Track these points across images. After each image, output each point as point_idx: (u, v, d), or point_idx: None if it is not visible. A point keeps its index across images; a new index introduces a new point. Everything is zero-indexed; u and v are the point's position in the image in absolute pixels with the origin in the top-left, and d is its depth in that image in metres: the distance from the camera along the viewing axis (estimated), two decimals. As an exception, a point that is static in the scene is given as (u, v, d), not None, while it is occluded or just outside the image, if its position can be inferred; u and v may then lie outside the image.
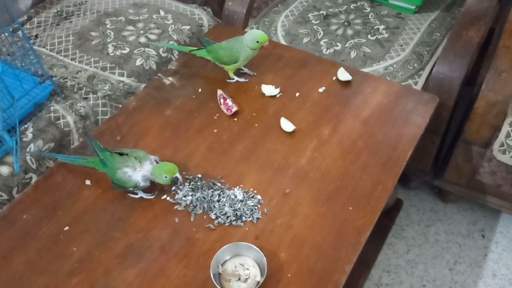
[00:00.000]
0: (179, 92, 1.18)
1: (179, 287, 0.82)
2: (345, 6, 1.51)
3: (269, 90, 1.16)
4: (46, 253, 0.88)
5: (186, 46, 1.40)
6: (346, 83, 1.18)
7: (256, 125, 1.09)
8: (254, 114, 1.12)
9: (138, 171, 0.92)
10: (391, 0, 1.48)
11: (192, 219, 0.92)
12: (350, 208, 0.93)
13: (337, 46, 1.38)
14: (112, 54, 1.36)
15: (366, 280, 1.30)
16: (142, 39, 1.41)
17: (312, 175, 0.99)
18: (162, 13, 1.53)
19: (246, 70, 1.22)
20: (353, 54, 1.35)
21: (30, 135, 1.15)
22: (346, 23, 1.45)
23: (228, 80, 1.20)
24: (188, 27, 1.48)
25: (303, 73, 1.21)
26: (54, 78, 1.28)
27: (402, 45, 1.36)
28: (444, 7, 1.50)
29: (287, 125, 1.07)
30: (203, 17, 1.53)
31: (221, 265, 0.84)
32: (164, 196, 0.96)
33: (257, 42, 1.10)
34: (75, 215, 0.93)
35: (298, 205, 0.94)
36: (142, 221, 0.92)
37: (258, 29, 1.47)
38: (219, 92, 1.14)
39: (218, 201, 0.94)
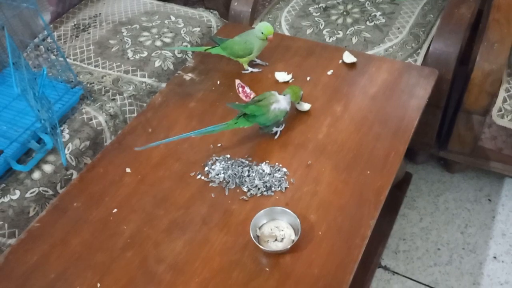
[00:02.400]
0: (199, 86, 1.29)
1: (223, 252, 0.92)
2: (343, -2, 1.62)
3: (282, 76, 1.26)
4: (99, 234, 0.98)
5: (199, 46, 1.51)
6: (352, 65, 1.28)
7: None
8: (271, 99, 1.22)
9: (281, 102, 1.09)
10: (385, -12, 1.59)
11: (226, 193, 1.02)
12: (368, 172, 1.03)
13: (339, 34, 1.48)
14: (132, 58, 1.47)
15: (384, 247, 1.40)
16: (158, 43, 1.52)
17: (330, 148, 1.09)
18: (173, 18, 1.63)
19: (258, 61, 1.32)
20: (354, 40, 1.45)
21: (67, 136, 1.26)
22: (345, 13, 1.55)
23: (243, 72, 1.30)
24: (198, 28, 1.59)
25: (311, 60, 1.32)
26: (83, 84, 1.39)
27: (399, 28, 1.47)
28: (435, -9, 1.62)
29: (302, 106, 1.17)
30: (211, 19, 1.64)
31: (258, 229, 0.94)
32: (199, 176, 1.06)
33: (262, 33, 1.20)
34: (121, 200, 1.03)
35: (321, 174, 1.04)
36: (181, 199, 1.02)
37: (263, 25, 1.58)
38: (237, 81, 1.25)
39: (248, 176, 1.04)
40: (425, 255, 1.43)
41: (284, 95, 1.11)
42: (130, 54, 1.48)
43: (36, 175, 1.18)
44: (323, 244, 0.92)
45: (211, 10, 1.70)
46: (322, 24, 1.53)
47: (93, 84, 1.39)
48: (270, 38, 1.23)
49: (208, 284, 0.88)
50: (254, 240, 0.89)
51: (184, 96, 1.26)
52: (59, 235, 0.98)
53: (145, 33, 1.56)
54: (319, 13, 1.57)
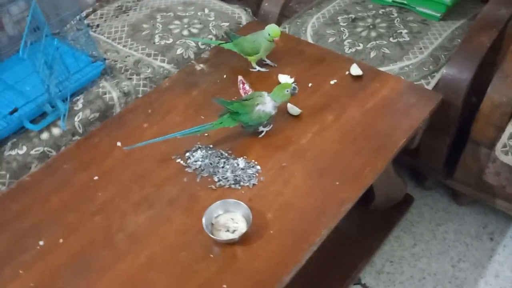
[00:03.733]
0: (206, 78, 1.34)
1: (179, 232, 0.97)
2: (374, 11, 1.61)
3: (284, 79, 1.29)
4: (77, 196, 1.07)
5: (222, 40, 1.57)
6: (358, 77, 1.28)
7: (268, 108, 1.22)
8: (268, 99, 1.25)
9: (267, 104, 1.10)
10: (418, 7, 1.56)
11: (198, 180, 1.07)
12: (337, 183, 1.03)
13: (359, 46, 1.48)
14: (157, 43, 1.56)
15: (367, 264, 1.38)
16: (185, 32, 1.60)
17: (309, 154, 1.10)
18: (206, 11, 1.70)
19: (268, 61, 1.36)
20: (372, 54, 1.44)
21: (80, 105, 1.36)
22: (371, 26, 1.54)
23: (251, 69, 1.35)
24: (227, 23, 1.64)
25: (319, 67, 1.33)
26: (106, 61, 1.50)
27: (421, 48, 1.44)
28: (471, 16, 1.56)
29: (293, 109, 1.19)
30: (242, 16, 1.69)
31: (215, 217, 0.98)
32: (179, 160, 1.12)
33: (269, 35, 1.24)
34: (104, 169, 1.11)
35: (292, 177, 1.06)
36: (157, 179, 1.08)
37: (289, 28, 1.61)
38: (240, 78, 1.29)
39: (223, 167, 1.08)
40: (409, 281, 1.39)
41: (268, 95, 1.13)
42: (156, 39, 1.57)
43: (45, 135, 1.29)
44: (272, 242, 0.94)
45: (245, 8, 1.75)
46: (345, 35, 1.53)
47: (116, 62, 1.50)
48: (277, 41, 1.26)
49: (156, 258, 0.94)
50: (205, 228, 0.93)
51: (190, 85, 1.32)
52: (43, 191, 1.08)
53: (176, 22, 1.65)
54: (346, 23, 1.58)
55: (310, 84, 1.28)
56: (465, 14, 1.57)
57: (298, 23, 1.62)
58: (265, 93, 1.13)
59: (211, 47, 1.51)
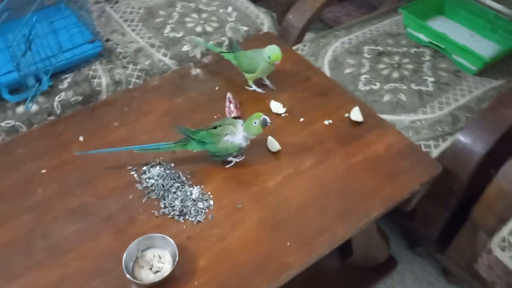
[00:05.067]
0: (197, 85, 1.24)
1: (102, 256, 0.89)
2: (405, 49, 1.44)
3: (276, 107, 1.17)
4: (17, 186, 1.00)
5: (236, 46, 1.45)
6: (356, 123, 1.14)
7: (248, 136, 1.11)
8: (252, 125, 1.14)
9: (237, 135, 0.99)
10: (454, 55, 1.38)
11: (143, 201, 0.98)
12: (288, 243, 0.91)
13: (375, 85, 1.33)
14: (166, 34, 1.46)
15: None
16: (199, 29, 1.49)
17: (271, 200, 0.98)
18: (229, 9, 1.59)
19: (267, 82, 1.24)
20: (386, 97, 1.29)
21: (66, 84, 1.30)
22: (396, 65, 1.38)
23: (246, 87, 1.23)
24: (246, 28, 1.52)
25: (319, 101, 1.20)
26: (109, 42, 1.42)
27: (442, 104, 1.27)
28: (513, 78, 1.37)
29: (273, 144, 1.07)
30: (265, 23, 1.57)
31: (142, 251, 0.89)
32: (133, 173, 1.03)
33: (269, 57, 1.11)
34: (56, 163, 1.04)
35: (242, 223, 0.94)
36: (103, 188, 1.00)
37: (309, 47, 1.47)
38: (228, 95, 1.18)
39: (174, 193, 0.98)
40: None
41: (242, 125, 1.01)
42: (166, 30, 1.48)
43: (20, 109, 1.24)
44: (192, 295, 0.84)
45: (272, 14, 1.62)
46: (365, 68, 1.38)
47: (117, 46, 1.42)
48: (277, 65, 1.13)
49: (67, 280, 0.86)
50: (124, 269, 0.83)
51: (178, 89, 1.23)
52: (-12, 172, 1.03)
53: (194, 15, 1.55)
54: (370, 56, 1.42)
55: (302, 119, 1.15)
56: (506, 74, 1.38)
57: (320, 43, 1.48)
58: (239, 122, 1.01)
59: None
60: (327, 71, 1.39)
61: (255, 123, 0.99)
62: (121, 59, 1.38)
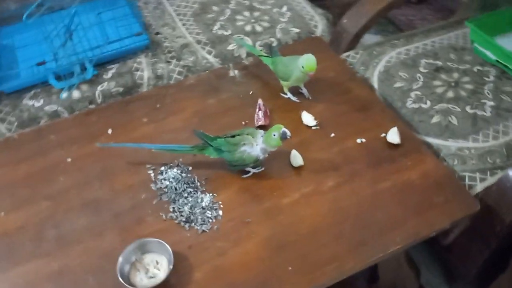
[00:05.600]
0: (232, 87, 1.21)
1: (104, 252, 0.89)
2: (468, 66, 1.31)
3: (307, 119, 1.10)
4: (42, 173, 1.03)
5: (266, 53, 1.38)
6: (391, 145, 1.05)
7: (272, 146, 1.06)
8: (279, 136, 1.09)
9: (255, 146, 0.95)
10: (524, 77, 1.22)
11: (154, 202, 0.97)
12: (290, 268, 0.86)
13: (425, 104, 1.21)
14: (214, 32, 1.45)
15: None
16: (248, 28, 1.46)
17: (282, 218, 0.93)
18: (284, 9, 1.54)
19: (304, 90, 1.17)
20: (435, 119, 1.17)
21: (110, 75, 1.33)
22: (453, 84, 1.26)
23: (281, 94, 1.18)
24: (297, 30, 1.46)
25: (355, 116, 1.12)
26: (158, 36, 1.43)
27: (498, 132, 1.13)
28: None
29: (295, 159, 1.02)
30: (319, 25, 1.49)
31: (142, 254, 0.88)
32: (151, 172, 1.02)
33: (303, 67, 1.05)
34: (80, 154, 1.06)
35: (248, 239, 0.90)
36: (120, 184, 1.00)
37: (361, 55, 1.38)
38: (259, 101, 1.13)
39: (186, 198, 0.96)
40: None
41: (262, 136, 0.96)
42: (216, 27, 1.46)
43: (64, 95, 1.28)
44: (182, 308, 0.82)
45: (329, 16, 1.54)
46: (417, 84, 1.27)
47: (165, 40, 1.42)
48: (311, 75, 1.07)
49: (64, 272, 0.87)
50: (118, 272, 0.83)
51: (212, 90, 1.20)
52: (18, 156, 1.06)
53: (246, 13, 1.51)
54: (426, 71, 1.30)
55: (332, 134, 1.08)
56: None
57: (374, 52, 1.39)
58: (260, 133, 0.97)
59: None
60: (375, 83, 1.30)
61: (274, 135, 0.94)
62: (166, 53, 1.39)
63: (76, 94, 1.29)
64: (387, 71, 1.32)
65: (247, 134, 0.96)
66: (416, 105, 1.22)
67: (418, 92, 1.25)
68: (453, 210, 0.94)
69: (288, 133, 0.94)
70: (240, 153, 0.96)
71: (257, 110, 1.12)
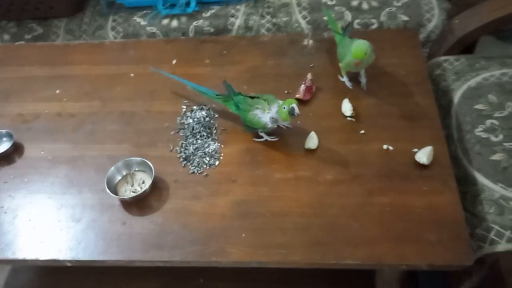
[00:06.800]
0: (297, 56, 1.20)
1: (115, 155, 1.02)
2: None
3: (345, 107, 1.05)
4: (110, 81, 1.21)
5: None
6: (417, 164, 0.95)
7: (298, 122, 1.05)
8: (310, 114, 1.06)
9: (266, 113, 0.97)
10: None
11: (171, 133, 1.06)
12: (243, 235, 0.88)
13: (496, 137, 1.04)
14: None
15: None
16: (355, 3, 1.39)
17: (264, 190, 0.94)
18: (404, -9, 1.41)
19: (362, 79, 1.10)
20: (497, 156, 1.01)
21: (208, 14, 1.44)
22: (545, 126, 1.04)
23: (339, 76, 1.13)
24: (406, 18, 1.35)
25: (398, 122, 1.02)
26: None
27: None
28: None
29: (310, 141, 1.00)
30: (434, 19, 1.34)
31: (136, 170, 0.99)
32: (184, 107, 1.11)
33: (351, 51, 0.99)
34: (142, 73, 1.20)
35: (224, 194, 0.94)
36: (156, 107, 1.12)
37: (461, 63, 1.22)
38: (308, 75, 1.11)
39: (196, 139, 1.04)
40: None
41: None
42: (324, -6, 1.42)
43: (166, 21, 1.43)
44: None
45: (449, 8, 1.36)
46: (501, 113, 1.08)
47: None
48: (357, 62, 1.00)
49: (76, 160, 1.04)
50: (106, 182, 0.95)
51: (278, 52, 1.21)
52: (99, 59, 1.25)
53: (363, -13, 1.43)
54: (523, 102, 1.10)
55: (362, 131, 1.02)
56: None
57: (477, 65, 1.21)
58: (277, 102, 0.97)
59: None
60: (457, 96, 1.15)
61: (284, 108, 0.93)
62: (265, 8, 1.42)
63: (174, 23, 1.43)
64: (477, 88, 1.15)
65: (265, 100, 0.98)
66: (485, 135, 1.06)
67: (495, 122, 1.07)
68: (437, 254, 0.83)
69: (297, 110, 0.92)
70: (252, 116, 0.98)
71: (303, 84, 1.11)
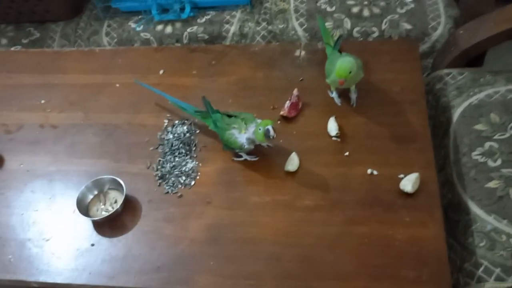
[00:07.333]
0: (287, 68, 1.14)
1: (92, 170, 1.00)
2: None
3: (331, 127, 0.99)
4: (92, 87, 1.18)
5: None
6: (401, 191, 0.89)
7: (281, 141, 1.00)
8: (294, 132, 1.01)
9: (243, 134, 0.93)
10: None
11: (150, 149, 1.03)
12: (211, 263, 0.84)
13: (494, 162, 0.96)
14: (318, 4, 1.34)
15: None
16: (355, 10, 1.31)
17: (239, 213, 0.90)
18: (409, -1, 1.33)
19: (352, 96, 1.04)
20: (492, 184, 0.93)
21: (203, 20, 1.38)
22: (548, 152, 0.96)
23: (328, 92, 1.07)
24: (409, 27, 1.27)
25: (386, 144, 0.96)
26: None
27: None
28: None
29: (290, 163, 0.95)
30: (440, 28, 1.26)
31: (109, 189, 0.96)
32: (166, 121, 1.07)
33: (336, 69, 0.93)
34: (128, 83, 1.17)
35: (197, 217, 0.91)
36: (138, 120, 1.09)
37: (464, 77, 1.14)
38: (295, 91, 1.05)
39: (174, 156, 1.00)
40: None
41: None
42: (322, 0, 1.36)
43: (160, 27, 1.39)
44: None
45: (457, 16, 1.28)
46: (502, 135, 1.00)
47: (268, 1, 1.39)
48: (341, 82, 0.94)
49: (57, 173, 1.02)
50: (76, 202, 0.93)
51: (268, 63, 1.16)
52: (85, 67, 1.23)
53: (370, -6, 1.36)
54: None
55: (347, 153, 0.96)
56: None
57: (482, 79, 1.12)
58: (255, 122, 0.92)
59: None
60: (456, 115, 1.07)
61: (260, 129, 0.89)
62: (261, 14, 1.36)
63: (168, 29, 1.39)
64: (479, 106, 1.07)
65: (242, 119, 0.93)
66: (482, 159, 0.98)
67: (495, 145, 0.99)
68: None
69: (272, 132, 0.88)
70: (229, 135, 0.94)
71: (288, 100, 1.05)
